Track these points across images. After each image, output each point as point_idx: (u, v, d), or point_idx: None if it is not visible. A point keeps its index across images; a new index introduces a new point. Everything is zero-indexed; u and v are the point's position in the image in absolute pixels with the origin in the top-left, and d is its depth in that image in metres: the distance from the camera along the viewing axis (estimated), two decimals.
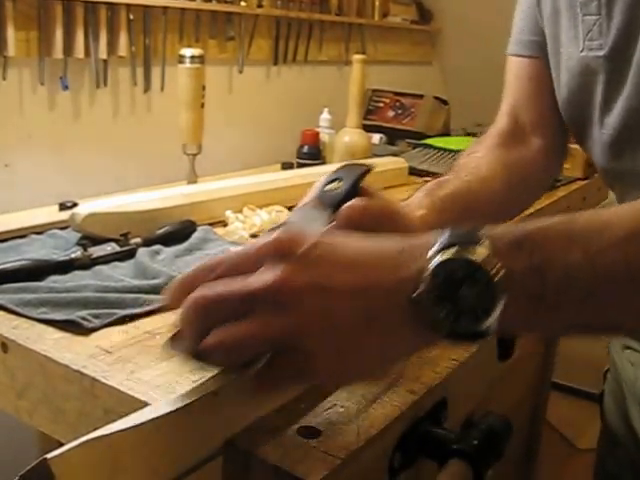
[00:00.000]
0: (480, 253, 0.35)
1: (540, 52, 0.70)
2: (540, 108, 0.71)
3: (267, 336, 0.36)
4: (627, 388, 0.75)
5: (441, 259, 0.35)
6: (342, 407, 0.50)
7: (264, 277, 0.36)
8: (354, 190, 0.52)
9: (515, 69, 0.74)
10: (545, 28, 0.68)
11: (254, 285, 0.36)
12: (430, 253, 0.36)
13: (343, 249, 0.38)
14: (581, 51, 0.60)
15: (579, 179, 1.38)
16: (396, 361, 0.42)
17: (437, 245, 0.36)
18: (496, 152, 0.68)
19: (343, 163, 0.57)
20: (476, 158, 0.66)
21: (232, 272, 0.38)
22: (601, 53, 0.58)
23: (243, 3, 1.46)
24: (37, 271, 0.67)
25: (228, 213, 0.90)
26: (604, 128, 0.60)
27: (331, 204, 0.51)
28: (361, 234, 0.40)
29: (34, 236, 0.80)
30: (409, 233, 0.40)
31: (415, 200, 0.58)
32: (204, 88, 1.03)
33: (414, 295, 0.35)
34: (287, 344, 0.36)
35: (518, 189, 0.67)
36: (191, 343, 0.38)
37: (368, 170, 0.54)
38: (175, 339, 0.41)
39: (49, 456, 0.35)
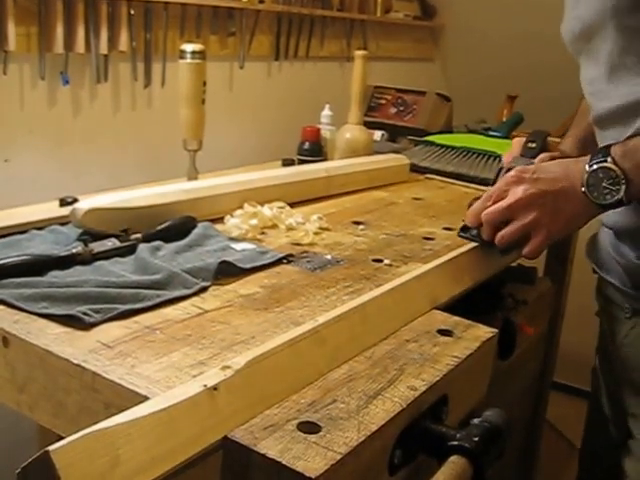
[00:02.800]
0: (609, 162, 0.70)
1: None
2: None
3: (525, 226, 0.74)
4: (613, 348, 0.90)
5: (590, 169, 0.71)
6: (343, 403, 0.50)
7: (514, 196, 0.74)
8: (544, 147, 0.95)
9: None
10: None
11: (511, 201, 0.74)
12: (586, 167, 0.71)
13: (546, 171, 0.75)
14: None
15: None
16: (579, 225, 0.77)
17: (588, 163, 0.71)
18: None
19: (534, 130, 1.00)
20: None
21: (498, 199, 0.76)
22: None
23: None
24: (38, 266, 0.67)
25: (230, 218, 0.90)
26: None
27: (531, 156, 0.94)
28: (549, 162, 0.81)
29: (35, 231, 0.80)
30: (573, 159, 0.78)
31: (568, 146, 0.97)
32: (205, 84, 1.03)
33: (583, 189, 0.72)
34: (534, 227, 0.74)
35: None
36: (485, 237, 0.79)
37: (549, 134, 1.00)
38: (462, 231, 0.84)
39: (51, 448, 0.35)
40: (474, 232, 0.82)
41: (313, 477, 0.42)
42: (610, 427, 0.93)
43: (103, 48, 1.16)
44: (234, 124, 1.52)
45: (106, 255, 0.73)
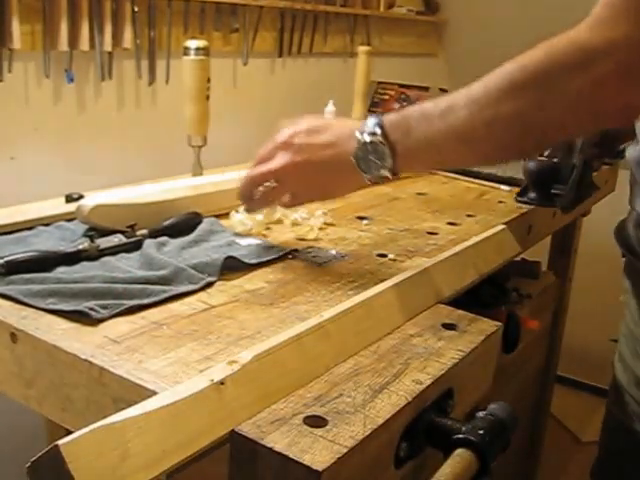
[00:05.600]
0: (379, 135, 0.64)
1: None
2: None
3: (284, 189, 0.73)
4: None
5: (362, 140, 0.65)
6: (349, 397, 0.51)
7: (275, 163, 0.72)
8: None
9: None
10: None
11: (270, 168, 0.72)
12: (357, 136, 0.66)
13: (318, 134, 0.70)
14: None
15: None
16: (343, 191, 0.75)
17: (359, 130, 0.66)
18: None
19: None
20: None
21: (262, 161, 0.74)
22: None
23: None
24: (45, 262, 0.68)
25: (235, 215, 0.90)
26: None
27: None
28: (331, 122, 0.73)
29: (41, 228, 0.80)
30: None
31: None
32: (209, 80, 1.03)
33: (352, 159, 0.66)
34: (295, 194, 0.74)
35: None
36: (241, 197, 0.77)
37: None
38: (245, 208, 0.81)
39: (60, 442, 0.35)
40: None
41: (320, 470, 0.42)
42: (630, 414, 0.90)
43: (107, 45, 1.16)
44: (238, 120, 1.52)
45: (112, 251, 0.74)
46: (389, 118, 0.65)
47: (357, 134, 0.66)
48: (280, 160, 0.71)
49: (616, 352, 0.94)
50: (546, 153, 1.02)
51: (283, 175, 0.72)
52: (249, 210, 0.80)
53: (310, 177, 0.71)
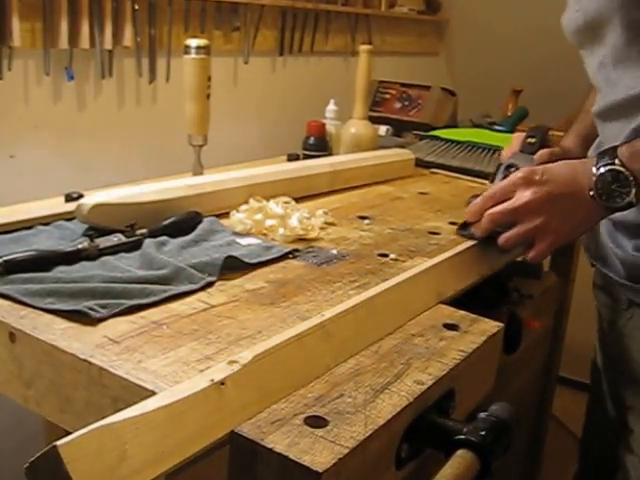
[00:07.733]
0: (617, 164, 0.69)
1: None
2: None
3: (532, 230, 0.74)
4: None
5: (598, 172, 0.70)
6: (350, 397, 0.50)
7: (522, 199, 0.73)
8: (544, 142, 0.94)
9: None
10: None
11: (519, 204, 0.73)
12: (594, 170, 0.70)
13: (555, 173, 0.73)
14: None
15: None
16: (587, 228, 0.79)
17: (595, 166, 0.70)
18: None
19: (534, 125, 0.98)
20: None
21: (502, 199, 0.75)
22: None
23: None
24: (44, 262, 0.67)
25: (237, 215, 0.90)
26: None
27: (530, 152, 0.92)
28: (557, 163, 0.76)
29: (40, 227, 0.80)
30: (578, 159, 0.77)
31: (569, 142, 0.98)
32: (210, 79, 1.03)
33: (591, 193, 0.70)
34: (540, 231, 0.74)
35: None
36: (480, 233, 0.80)
37: (549, 129, 0.98)
38: (462, 228, 0.87)
39: (59, 443, 0.35)
40: (473, 230, 0.82)
41: (320, 471, 0.42)
42: (609, 420, 0.93)
43: (107, 43, 1.16)
44: (239, 119, 1.52)
45: (112, 250, 0.73)
46: (622, 151, 0.69)
47: (593, 169, 0.70)
48: (521, 197, 0.73)
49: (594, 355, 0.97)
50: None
51: (526, 212, 0.73)
52: (503, 250, 0.79)
53: (555, 212, 0.72)
